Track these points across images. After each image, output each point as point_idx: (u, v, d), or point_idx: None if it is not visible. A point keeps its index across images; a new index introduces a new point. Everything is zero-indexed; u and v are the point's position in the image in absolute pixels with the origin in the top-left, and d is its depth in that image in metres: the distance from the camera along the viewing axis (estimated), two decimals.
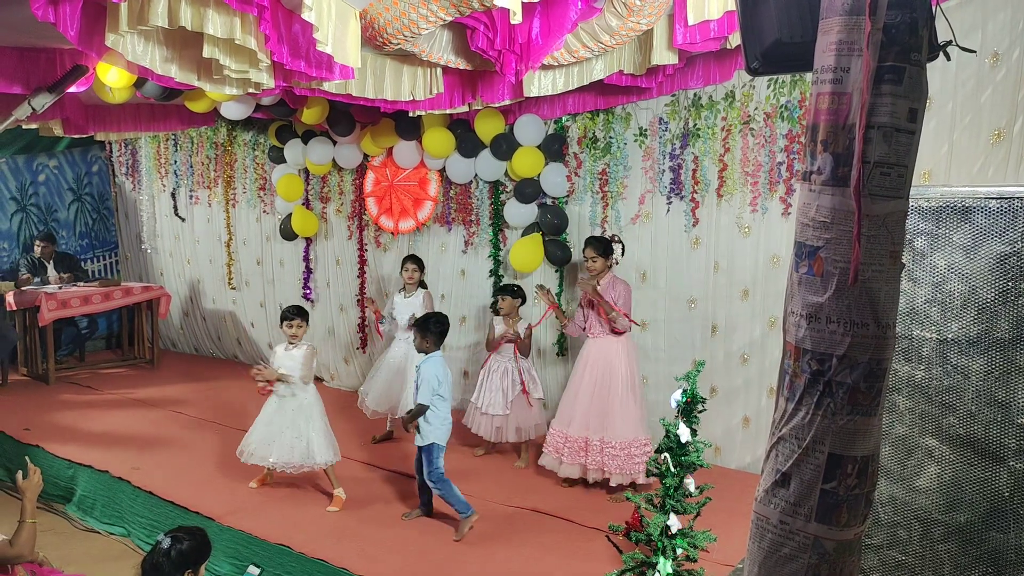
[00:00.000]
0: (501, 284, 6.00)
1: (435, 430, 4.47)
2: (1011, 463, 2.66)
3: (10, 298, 7.83)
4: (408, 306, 5.86)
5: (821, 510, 1.76)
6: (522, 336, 5.52)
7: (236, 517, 4.66)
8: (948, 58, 1.76)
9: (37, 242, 8.40)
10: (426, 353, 4.55)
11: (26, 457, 3.71)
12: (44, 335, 7.79)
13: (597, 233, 5.77)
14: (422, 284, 6.02)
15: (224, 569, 4.38)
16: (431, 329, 4.53)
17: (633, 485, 4.91)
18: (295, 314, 4.96)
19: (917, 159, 1.73)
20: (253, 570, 3.13)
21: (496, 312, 5.66)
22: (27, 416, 6.62)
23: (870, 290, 1.68)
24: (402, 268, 5.99)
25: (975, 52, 1.96)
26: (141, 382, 7.93)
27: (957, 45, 1.76)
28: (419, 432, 4.48)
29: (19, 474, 3.45)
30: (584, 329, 5.15)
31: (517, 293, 5.62)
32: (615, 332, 4.99)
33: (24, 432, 6.20)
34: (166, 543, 2.89)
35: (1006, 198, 2.63)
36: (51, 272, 8.29)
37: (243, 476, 5.24)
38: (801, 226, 1.76)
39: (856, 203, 1.64)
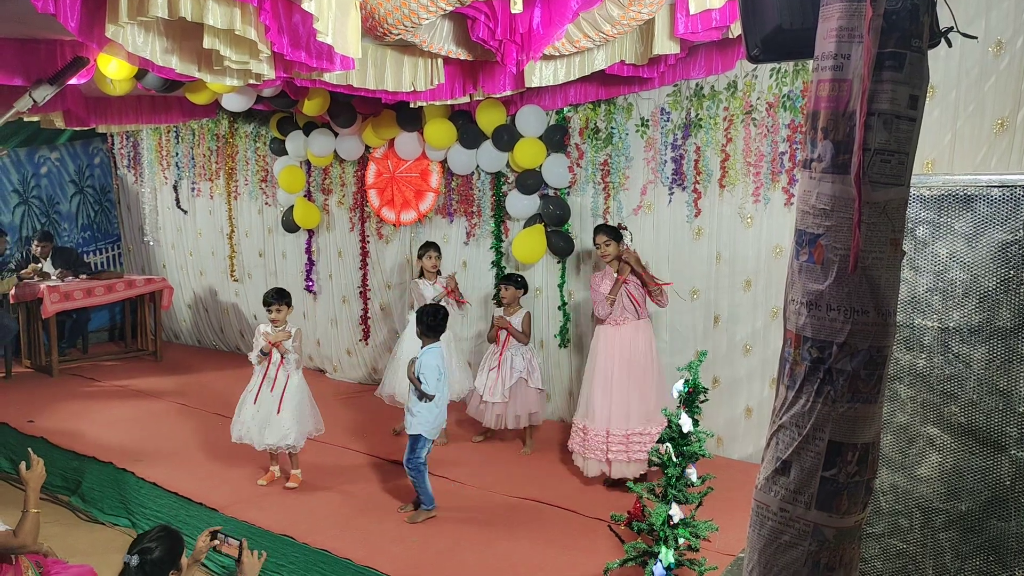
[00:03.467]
0: (505, 274, 5.99)
1: (423, 423, 4.51)
2: (1012, 452, 2.66)
3: (11, 291, 7.85)
4: (435, 292, 5.77)
5: (821, 498, 1.75)
6: (519, 326, 5.53)
7: (239, 508, 4.68)
8: (949, 44, 1.75)
9: (36, 242, 8.41)
10: (424, 343, 4.58)
11: (29, 448, 3.72)
12: (47, 327, 7.81)
13: (600, 223, 5.75)
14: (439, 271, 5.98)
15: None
16: (423, 320, 4.59)
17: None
18: (275, 299, 4.99)
19: (920, 148, 1.72)
20: (232, 542, 3.15)
21: (499, 303, 5.66)
22: (31, 408, 6.65)
23: (870, 277, 1.67)
24: (424, 255, 5.86)
25: (976, 39, 1.95)
26: (144, 374, 7.95)
27: (958, 31, 1.75)
28: (409, 420, 4.55)
29: (22, 465, 3.47)
30: (601, 320, 4.95)
31: (520, 284, 5.63)
32: (655, 303, 4.90)
33: (28, 424, 6.23)
34: (135, 561, 2.83)
35: (1008, 186, 2.62)
36: (47, 269, 8.30)
37: (246, 468, 5.26)
38: (801, 214, 1.75)
39: (856, 190, 1.63)
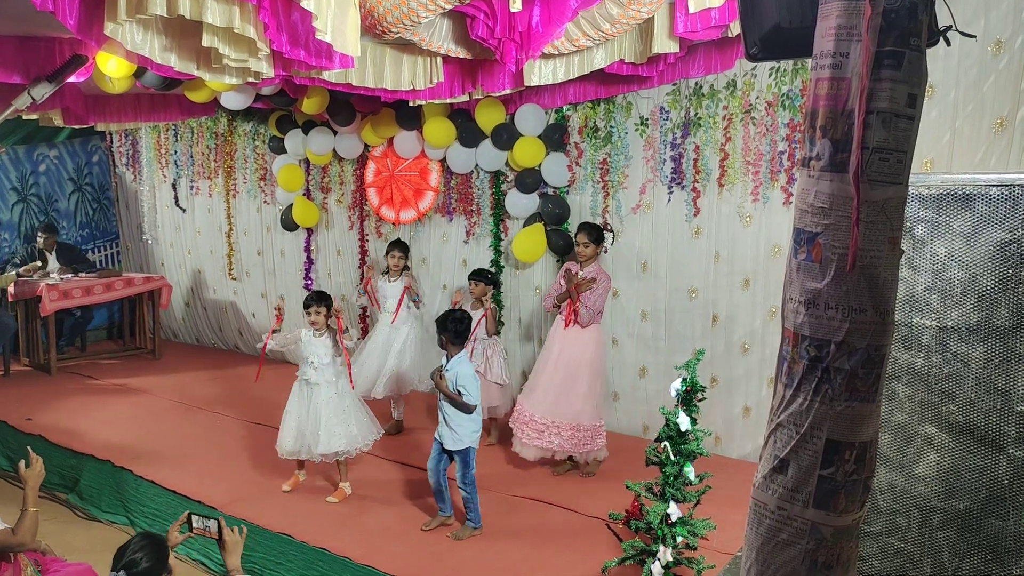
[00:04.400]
0: (477, 268, 5.96)
1: (469, 434, 4.34)
2: (1010, 451, 2.66)
3: (10, 288, 7.84)
4: (395, 289, 5.92)
5: (819, 496, 1.76)
6: (485, 320, 5.54)
7: (238, 506, 4.68)
8: (948, 43, 1.75)
9: (39, 234, 8.41)
10: (446, 352, 4.38)
11: (28, 447, 3.71)
12: (46, 325, 7.81)
13: (599, 222, 5.76)
14: (406, 269, 6.03)
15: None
16: (448, 327, 4.34)
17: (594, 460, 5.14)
18: (315, 300, 4.82)
19: (918, 147, 1.72)
20: (209, 524, 3.13)
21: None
22: (29, 406, 6.64)
23: (869, 276, 1.67)
24: (387, 254, 6.00)
25: (975, 37, 1.95)
26: (143, 372, 7.94)
27: (957, 30, 1.75)
28: (451, 436, 4.31)
29: (21, 463, 3.46)
30: (558, 308, 5.15)
31: (490, 280, 5.70)
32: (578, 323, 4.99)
33: (26, 422, 6.23)
34: None
35: (1007, 185, 2.63)
36: (52, 263, 8.30)
37: (245, 466, 5.26)
38: (800, 212, 1.75)
39: (855, 189, 1.63)
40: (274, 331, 4.87)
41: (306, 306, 4.84)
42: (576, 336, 5.05)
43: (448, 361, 4.35)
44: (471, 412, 4.30)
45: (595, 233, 5.07)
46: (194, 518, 3.18)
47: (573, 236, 5.31)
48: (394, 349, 5.87)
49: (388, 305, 5.93)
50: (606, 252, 5.29)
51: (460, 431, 4.30)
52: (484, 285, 5.62)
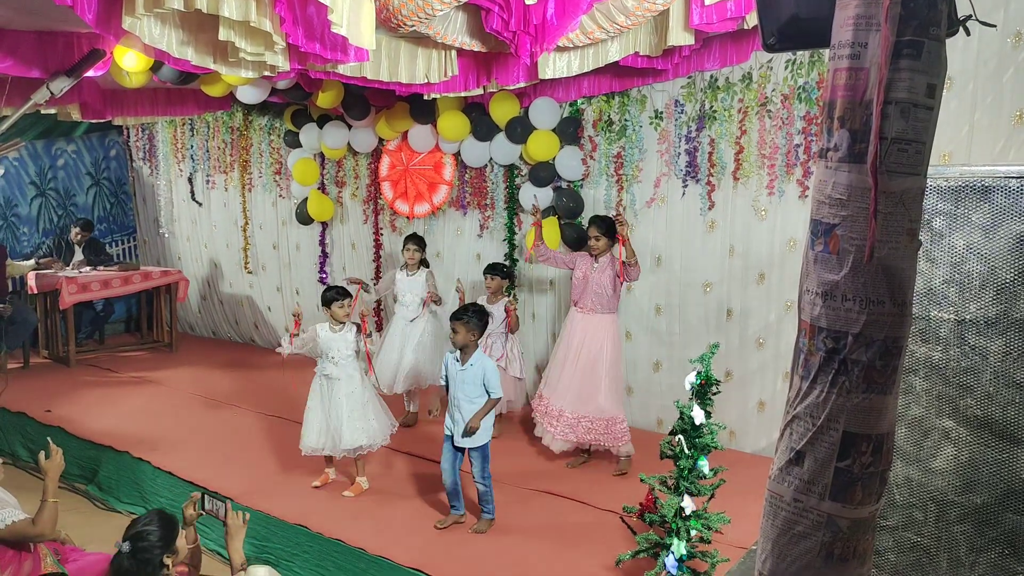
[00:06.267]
0: (492, 263, 5.95)
1: (488, 428, 4.34)
2: None
3: (31, 282, 7.94)
4: (412, 283, 5.90)
5: (835, 488, 1.75)
6: (501, 314, 5.54)
7: (254, 498, 4.71)
8: (968, 33, 1.74)
9: (75, 229, 8.50)
10: (464, 347, 4.29)
11: (48, 438, 3.76)
12: (65, 318, 7.89)
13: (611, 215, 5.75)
14: (423, 263, 6.02)
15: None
16: (474, 322, 4.28)
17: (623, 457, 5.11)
18: (340, 295, 4.77)
19: (936, 140, 1.70)
20: (219, 505, 3.24)
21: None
22: (49, 398, 6.72)
23: (886, 268, 1.66)
24: (404, 248, 6.00)
25: (995, 27, 1.94)
26: (160, 365, 8.02)
27: (977, 19, 1.73)
28: (469, 433, 4.27)
29: (41, 454, 3.50)
30: (574, 301, 5.18)
31: (505, 274, 5.70)
32: (623, 278, 4.99)
33: (46, 413, 6.30)
34: (127, 548, 2.84)
35: None
36: (78, 255, 8.39)
37: (260, 457, 5.30)
38: (817, 203, 1.74)
39: (873, 180, 1.62)
40: (293, 335, 4.79)
41: (331, 301, 4.75)
42: (596, 327, 5.06)
43: (470, 357, 4.28)
44: (493, 404, 4.32)
45: (605, 226, 5.06)
46: (206, 499, 3.25)
47: (586, 229, 5.31)
48: (411, 344, 5.88)
49: (405, 299, 5.91)
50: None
51: (480, 428, 4.28)
52: (500, 279, 5.63)
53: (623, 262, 4.90)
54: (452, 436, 4.35)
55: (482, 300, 5.58)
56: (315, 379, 4.87)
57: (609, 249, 5.08)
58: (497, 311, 5.54)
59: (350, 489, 4.86)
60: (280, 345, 4.79)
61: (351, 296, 4.84)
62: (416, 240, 6.00)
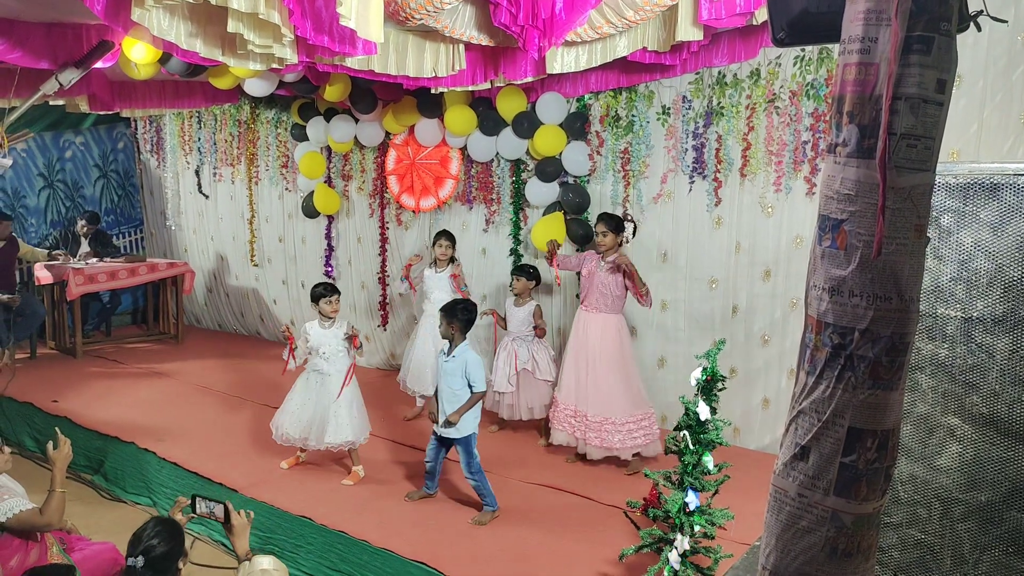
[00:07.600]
0: (519, 264, 5.97)
1: (473, 421, 4.39)
2: None
3: (41, 272, 7.97)
4: (440, 280, 5.83)
5: (840, 484, 1.75)
6: (529, 318, 5.52)
7: (259, 489, 4.74)
8: (979, 28, 1.73)
9: (81, 222, 8.53)
10: (450, 340, 4.42)
11: (56, 428, 3.77)
12: (72, 309, 7.93)
13: (619, 212, 5.74)
14: (451, 259, 5.97)
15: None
16: (458, 316, 4.38)
17: (639, 456, 5.04)
18: (330, 291, 4.88)
19: (945, 138, 1.70)
20: (215, 507, 3.22)
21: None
22: (56, 388, 6.75)
23: (894, 264, 1.66)
24: (435, 243, 5.92)
25: (1007, 23, 1.93)
26: (166, 356, 8.05)
27: (988, 15, 1.72)
28: (453, 424, 4.34)
29: (49, 445, 3.53)
30: (581, 300, 5.18)
31: (532, 275, 5.62)
32: (641, 303, 4.99)
33: (53, 404, 6.33)
34: (140, 563, 2.83)
35: None
36: (84, 247, 8.42)
37: (265, 449, 5.32)
38: (825, 199, 1.74)
39: (881, 175, 1.62)
40: (292, 350, 4.86)
41: (319, 297, 4.85)
42: (603, 328, 5.03)
43: (454, 349, 4.38)
44: (478, 399, 4.36)
45: (612, 222, 5.05)
46: (199, 501, 3.22)
47: (593, 226, 5.29)
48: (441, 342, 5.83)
49: (434, 296, 5.78)
50: (628, 243, 5.24)
51: (461, 420, 4.35)
52: (526, 281, 5.57)
53: (639, 294, 4.92)
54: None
55: (508, 302, 5.59)
56: (304, 373, 4.94)
57: (616, 246, 5.06)
58: (524, 314, 5.52)
59: (348, 477, 4.92)
60: (284, 360, 4.91)
61: (339, 292, 4.94)
62: (448, 236, 5.91)
